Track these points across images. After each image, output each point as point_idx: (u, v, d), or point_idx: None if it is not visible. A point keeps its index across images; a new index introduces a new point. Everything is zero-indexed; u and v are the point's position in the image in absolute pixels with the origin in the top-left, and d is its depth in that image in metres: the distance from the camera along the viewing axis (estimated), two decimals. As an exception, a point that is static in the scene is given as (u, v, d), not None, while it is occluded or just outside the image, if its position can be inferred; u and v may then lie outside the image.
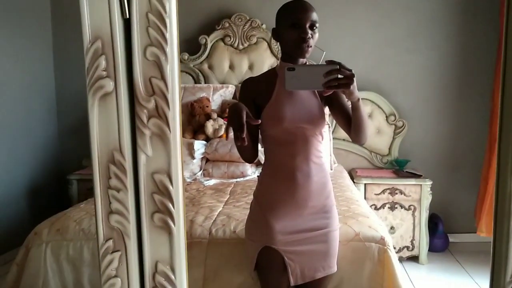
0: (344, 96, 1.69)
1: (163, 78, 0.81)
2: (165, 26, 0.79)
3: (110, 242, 0.85)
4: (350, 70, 1.43)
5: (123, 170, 0.83)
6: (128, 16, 0.80)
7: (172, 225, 0.84)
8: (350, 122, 1.66)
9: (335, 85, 1.42)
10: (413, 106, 3.86)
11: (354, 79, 1.43)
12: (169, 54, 0.81)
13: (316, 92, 1.72)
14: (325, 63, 1.42)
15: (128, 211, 0.84)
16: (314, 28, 1.61)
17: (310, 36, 1.59)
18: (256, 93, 1.73)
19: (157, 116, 0.81)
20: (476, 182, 3.67)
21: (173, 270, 0.86)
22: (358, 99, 1.53)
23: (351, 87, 1.43)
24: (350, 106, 1.60)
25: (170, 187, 0.83)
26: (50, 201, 3.83)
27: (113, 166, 0.83)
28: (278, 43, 1.73)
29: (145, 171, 0.83)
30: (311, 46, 1.62)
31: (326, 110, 1.77)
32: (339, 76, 1.41)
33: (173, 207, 0.84)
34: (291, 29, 1.60)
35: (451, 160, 3.87)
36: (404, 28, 3.81)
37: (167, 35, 0.80)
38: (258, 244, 1.75)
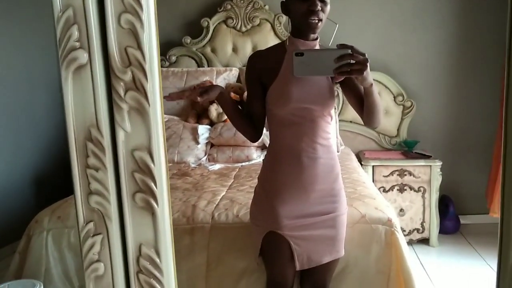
0: None
1: (139, 47, 0.75)
2: (140, -10, 0.73)
3: (91, 225, 0.81)
4: (364, 55, 1.35)
5: (101, 148, 0.78)
6: (100, -19, 0.74)
7: (155, 206, 0.79)
8: (363, 104, 1.59)
9: (347, 70, 1.35)
10: (422, 85, 3.76)
11: (368, 64, 1.36)
12: (146, 21, 0.75)
13: None
14: (336, 47, 1.35)
15: (108, 192, 0.79)
16: (324, 0, 1.53)
17: (320, 8, 1.51)
18: (262, 70, 1.65)
19: (134, 88, 0.76)
20: (487, 162, 3.58)
21: (158, 253, 0.81)
22: (371, 84, 1.46)
23: (364, 72, 1.36)
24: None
25: (152, 165, 0.77)
26: (55, 190, 3.81)
27: (91, 144, 0.78)
28: (287, 18, 1.65)
29: (125, 148, 0.78)
30: (321, 20, 1.54)
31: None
32: (351, 61, 1.34)
33: (156, 186, 0.78)
34: (300, 2, 1.51)
35: (461, 139, 3.78)
36: (411, 7, 3.70)
37: (143, 1, 0.74)
38: (263, 229, 1.70)
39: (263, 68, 1.66)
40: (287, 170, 1.66)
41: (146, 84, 0.76)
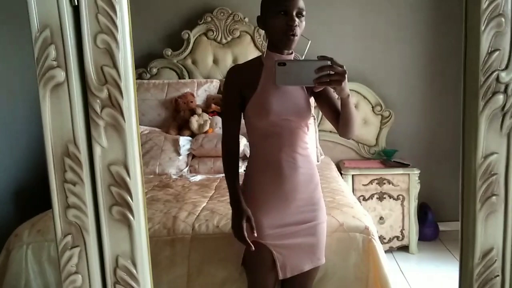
0: (331, 89, 1.67)
1: (115, 66, 0.78)
2: (115, 12, 0.76)
3: (69, 238, 0.83)
4: (342, 67, 1.40)
5: (78, 163, 0.80)
6: (76, 3, 0.77)
7: (131, 218, 0.81)
8: (338, 116, 1.64)
9: (327, 81, 1.40)
10: (399, 95, 3.85)
11: (346, 75, 1.41)
12: (121, 41, 0.78)
13: None
14: (317, 59, 1.40)
15: (85, 205, 0.82)
16: (301, 16, 1.58)
17: (297, 24, 1.56)
18: (242, 83, 1.68)
19: (110, 105, 0.79)
20: (464, 170, 3.65)
21: (134, 264, 0.83)
22: (348, 95, 1.51)
23: (343, 83, 1.42)
24: (339, 100, 1.58)
25: (127, 179, 0.80)
26: (35, 204, 3.77)
27: (68, 159, 0.80)
28: (264, 32, 1.69)
29: (101, 163, 0.80)
30: (297, 35, 1.58)
31: (312, 101, 1.75)
32: (331, 72, 1.39)
33: (131, 199, 0.81)
34: (278, 17, 1.56)
35: (439, 148, 3.87)
36: (389, 19, 3.79)
37: (118, 22, 0.77)
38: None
39: (243, 82, 1.69)
40: (269, 180, 1.70)
41: (121, 101, 0.78)
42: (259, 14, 1.65)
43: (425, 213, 3.70)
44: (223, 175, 3.05)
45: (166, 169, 3.22)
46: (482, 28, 0.76)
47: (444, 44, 3.76)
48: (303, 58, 1.66)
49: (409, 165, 3.51)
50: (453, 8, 3.70)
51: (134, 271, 0.83)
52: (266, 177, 1.70)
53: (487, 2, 0.75)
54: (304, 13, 1.58)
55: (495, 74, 0.78)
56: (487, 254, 0.79)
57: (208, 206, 2.35)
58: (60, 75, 0.79)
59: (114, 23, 0.77)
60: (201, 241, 2.06)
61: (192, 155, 3.35)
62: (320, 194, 1.80)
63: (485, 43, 0.77)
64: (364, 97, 3.76)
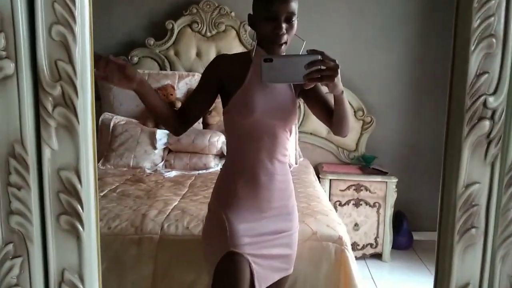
0: (321, 87, 1.57)
1: (70, 61, 0.70)
2: (74, 2, 0.69)
3: (10, 246, 0.75)
4: (334, 61, 1.29)
5: (25, 166, 0.73)
6: (31, -11, 0.69)
7: (81, 229, 0.74)
8: (330, 114, 1.54)
9: (318, 77, 1.29)
10: (382, 102, 3.82)
11: (338, 70, 1.30)
12: (79, 34, 0.70)
13: (291, 84, 1.59)
14: (306, 53, 1.29)
15: (31, 212, 0.74)
16: (292, 21, 1.47)
17: (285, 31, 1.45)
18: (226, 74, 1.57)
19: (63, 104, 0.71)
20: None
21: (82, 279, 0.76)
22: (342, 91, 1.41)
23: (335, 79, 1.31)
24: (331, 98, 1.47)
25: (79, 186, 0.73)
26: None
27: (14, 160, 0.73)
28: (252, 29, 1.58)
29: (50, 167, 0.73)
30: (286, 42, 1.48)
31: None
32: (322, 67, 1.28)
33: (82, 208, 0.74)
34: (266, 22, 1.46)
35: (418, 157, 3.85)
36: (375, 24, 3.76)
37: (76, 13, 0.69)
38: (222, 249, 1.56)
39: (228, 73, 1.58)
40: (245, 186, 1.59)
41: (76, 101, 0.71)
42: (251, 13, 1.55)
43: (400, 221, 3.68)
44: (199, 172, 3.04)
45: (141, 163, 3.14)
46: (472, 48, 0.70)
47: (430, 54, 3.75)
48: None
49: (387, 173, 3.49)
50: (441, 20, 3.68)
51: (81, 287, 0.76)
52: (242, 184, 1.59)
53: (478, 21, 0.68)
54: (295, 17, 1.48)
55: (482, 98, 0.73)
56: (462, 290, 0.74)
57: (179, 205, 2.28)
58: (9, 67, 0.71)
59: (72, 14, 0.69)
60: (169, 242, 1.99)
61: (168, 150, 3.27)
62: (294, 202, 1.72)
63: (473, 65, 0.71)
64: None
